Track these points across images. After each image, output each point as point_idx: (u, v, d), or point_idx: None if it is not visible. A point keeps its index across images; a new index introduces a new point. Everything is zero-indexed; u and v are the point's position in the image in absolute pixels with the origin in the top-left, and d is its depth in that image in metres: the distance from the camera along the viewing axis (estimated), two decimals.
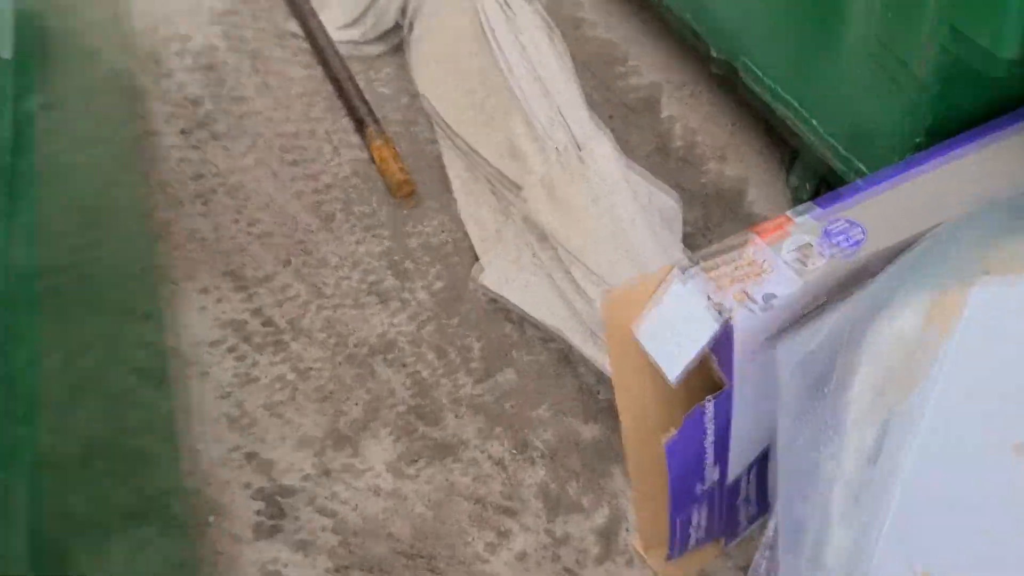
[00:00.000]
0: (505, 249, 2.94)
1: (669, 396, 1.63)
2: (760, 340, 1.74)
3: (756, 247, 1.86)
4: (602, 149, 2.88)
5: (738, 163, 3.34)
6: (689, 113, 3.61)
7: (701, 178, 3.31)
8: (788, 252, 1.85)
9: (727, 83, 3.28)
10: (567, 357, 2.75)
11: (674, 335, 1.58)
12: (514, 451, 2.52)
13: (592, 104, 3.30)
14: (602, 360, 2.55)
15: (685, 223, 3.09)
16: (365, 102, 3.65)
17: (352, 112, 3.63)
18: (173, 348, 2.86)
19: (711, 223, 3.13)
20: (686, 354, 1.57)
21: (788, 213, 1.83)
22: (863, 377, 1.34)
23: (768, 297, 1.75)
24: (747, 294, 1.77)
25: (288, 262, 3.14)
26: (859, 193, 1.75)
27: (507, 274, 2.87)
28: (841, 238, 1.66)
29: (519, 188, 2.96)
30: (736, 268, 1.82)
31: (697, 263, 1.79)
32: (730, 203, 3.18)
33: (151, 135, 3.67)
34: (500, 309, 2.91)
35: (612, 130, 3.11)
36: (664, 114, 3.63)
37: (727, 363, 1.74)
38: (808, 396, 1.46)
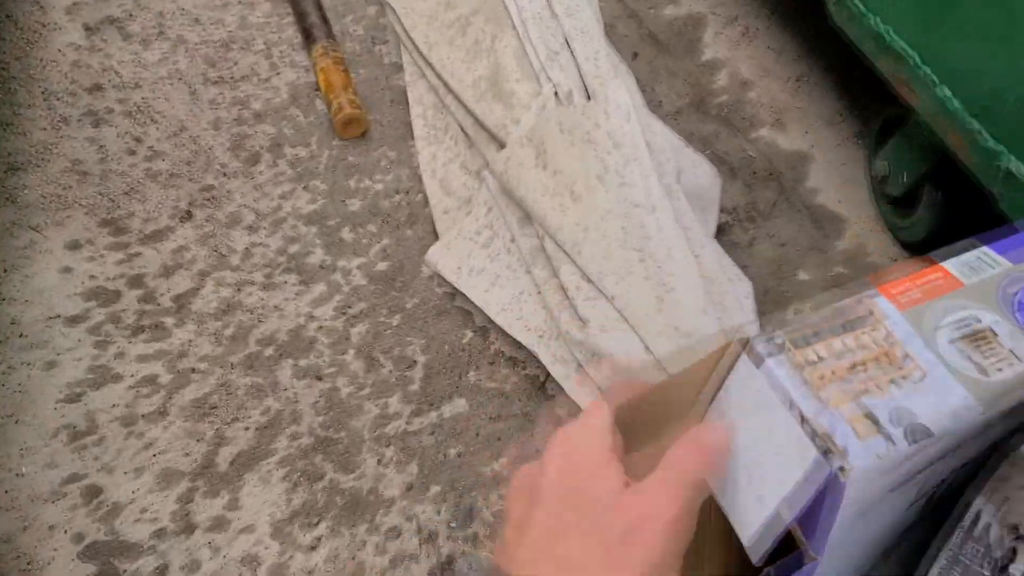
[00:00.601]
0: (473, 227, 2.14)
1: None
2: (884, 492, 0.92)
3: (886, 321, 0.97)
4: (618, 98, 2.06)
5: (800, 133, 2.52)
6: (740, 58, 2.76)
7: (748, 148, 2.49)
8: (948, 336, 0.95)
9: (802, 16, 2.44)
10: (544, 387, 1.99)
11: (745, 473, 0.79)
12: (453, 524, 1.77)
13: (611, 36, 2.46)
14: (585, 404, 1.78)
15: (722, 210, 2.29)
16: (320, 8, 2.81)
17: (301, 19, 2.79)
18: (13, 323, 2.11)
19: (757, 213, 2.33)
20: (767, 518, 0.77)
21: (945, 263, 0.98)
22: None
23: (914, 428, 0.86)
24: (873, 417, 0.88)
25: (189, 215, 2.36)
26: None
27: (472, 262, 2.09)
28: None
29: (500, 145, 2.15)
30: (852, 358, 0.94)
31: (780, 339, 0.95)
32: (785, 188, 2.38)
33: (45, 28, 2.85)
34: (460, 309, 2.13)
35: (635, 73, 2.28)
36: (705, 56, 2.78)
37: (820, 526, 0.90)
38: None
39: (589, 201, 1.91)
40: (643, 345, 1.75)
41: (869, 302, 0.88)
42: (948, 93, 1.71)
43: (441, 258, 2.14)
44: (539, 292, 1.96)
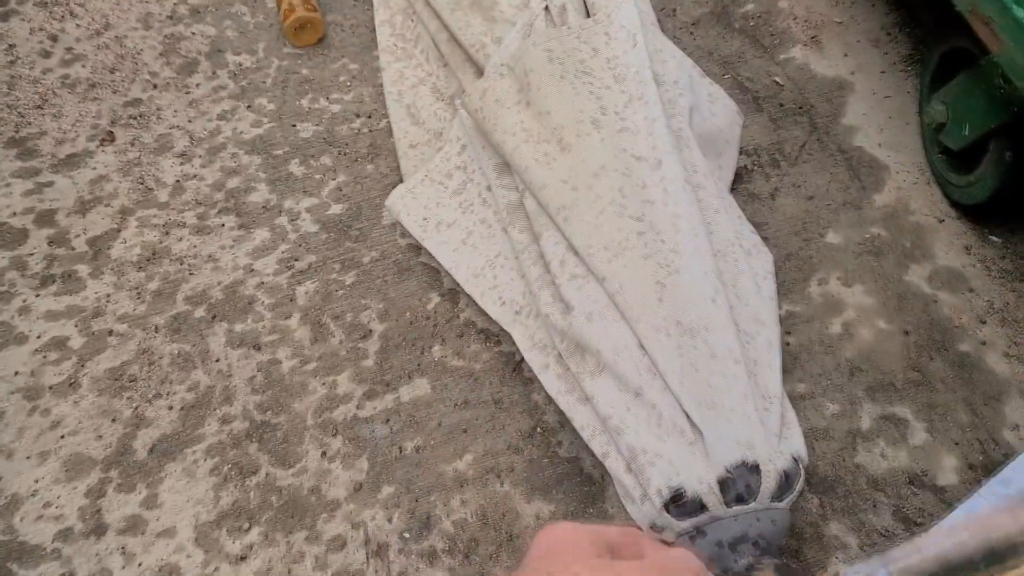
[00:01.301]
0: (444, 168, 1.79)
1: None
2: None
3: None
4: (623, 16, 1.67)
5: (838, 54, 2.11)
6: None
7: (775, 73, 2.09)
8: None
9: None
10: (520, 368, 1.69)
11: None
12: (407, 535, 1.52)
13: None
14: (566, 402, 1.51)
15: (741, 151, 1.93)
16: None
17: None
18: None
19: (783, 156, 1.96)
20: None
21: None
22: None
23: None
24: None
25: (110, 136, 1.99)
26: None
27: (440, 213, 1.75)
28: None
29: (478, 69, 1.76)
30: None
31: None
32: (817, 126, 1.99)
33: None
34: (425, 267, 1.81)
35: None
36: None
37: None
38: None
39: (580, 152, 1.55)
40: (636, 341, 1.44)
41: None
42: None
43: (404, 206, 1.79)
44: (517, 259, 1.64)
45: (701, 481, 1.35)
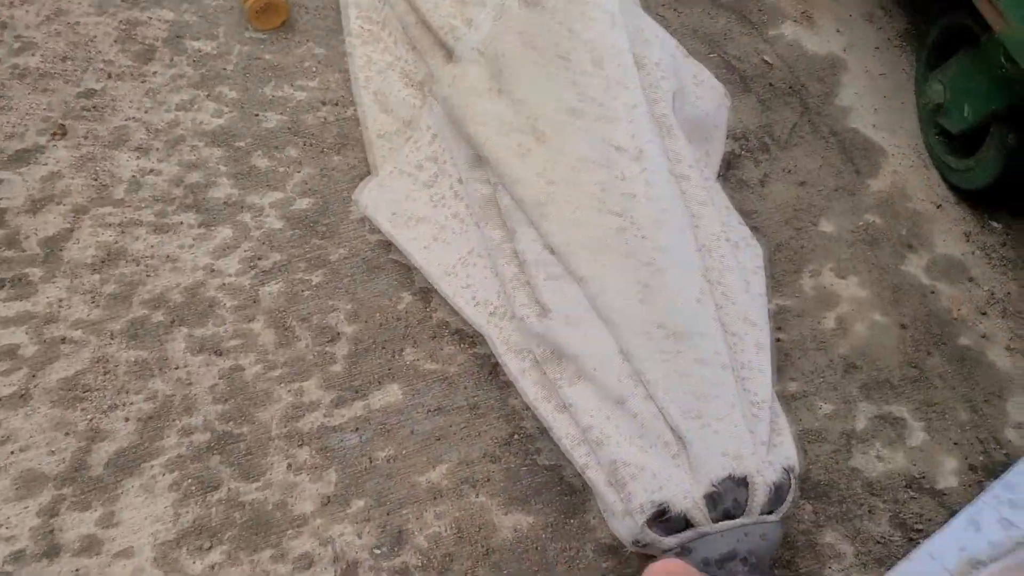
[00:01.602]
0: (414, 158, 1.69)
1: None
2: None
3: None
4: None
5: (830, 30, 2.01)
6: None
7: (765, 52, 1.99)
8: None
9: None
10: (496, 369, 1.61)
11: None
12: (379, 551, 1.44)
13: None
14: (544, 410, 1.43)
15: (729, 135, 1.83)
16: None
17: None
18: None
19: (773, 140, 1.86)
20: None
21: None
22: None
23: None
24: None
25: (62, 130, 1.88)
26: None
27: (411, 207, 1.65)
28: None
29: (449, 53, 1.66)
30: None
31: None
32: (809, 107, 1.90)
33: None
34: (396, 264, 1.72)
35: None
36: None
37: None
38: None
39: (558, 143, 1.45)
40: (617, 346, 1.35)
41: None
42: None
43: (372, 200, 1.69)
44: (490, 256, 1.54)
45: (686, 496, 1.27)
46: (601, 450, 1.32)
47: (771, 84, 1.91)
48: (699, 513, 1.26)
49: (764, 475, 1.29)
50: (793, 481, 1.33)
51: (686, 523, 1.27)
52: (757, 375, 1.39)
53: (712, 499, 1.27)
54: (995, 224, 1.77)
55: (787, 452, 1.35)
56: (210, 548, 1.47)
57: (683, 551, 1.28)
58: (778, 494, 1.30)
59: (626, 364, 1.33)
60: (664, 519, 1.27)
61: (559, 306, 1.39)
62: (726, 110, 1.75)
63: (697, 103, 1.68)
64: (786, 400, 1.59)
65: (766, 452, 1.33)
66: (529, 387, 1.45)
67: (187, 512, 1.50)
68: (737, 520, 1.27)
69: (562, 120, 1.46)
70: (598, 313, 1.37)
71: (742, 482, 1.28)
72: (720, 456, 1.28)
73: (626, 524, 1.30)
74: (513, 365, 1.48)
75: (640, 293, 1.36)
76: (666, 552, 1.29)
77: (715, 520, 1.27)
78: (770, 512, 1.30)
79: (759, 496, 1.27)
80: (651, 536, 1.28)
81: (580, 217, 1.40)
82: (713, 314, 1.37)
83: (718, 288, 1.44)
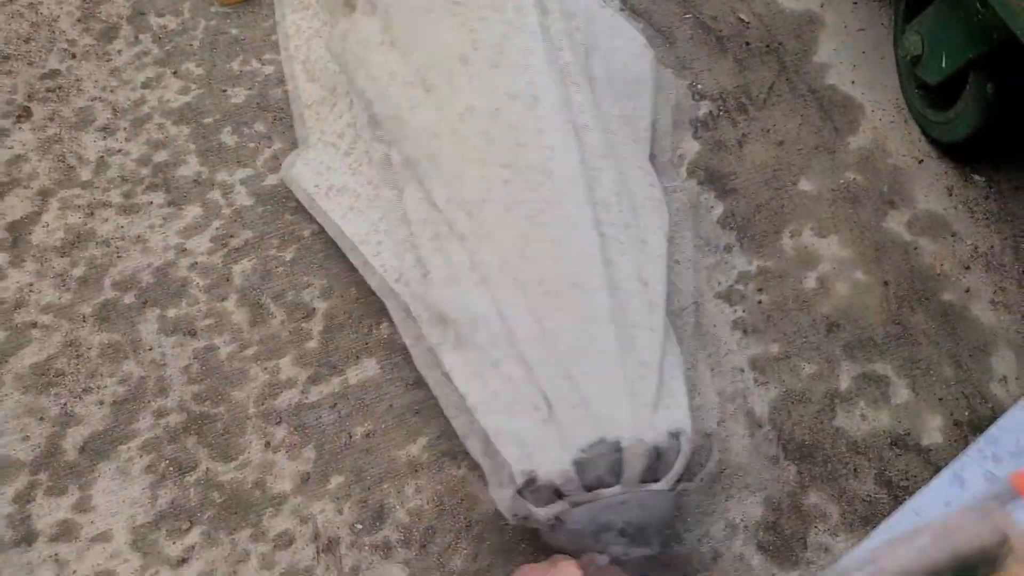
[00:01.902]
0: (336, 126, 1.66)
1: None
2: None
3: None
4: None
5: None
6: None
7: (738, 9, 1.95)
8: None
9: None
10: None
11: None
12: (360, 527, 1.42)
13: None
14: (432, 378, 1.40)
15: (706, 96, 1.79)
16: None
17: None
18: None
19: (750, 100, 1.82)
20: None
21: None
22: None
23: None
24: None
25: (26, 112, 1.85)
26: None
27: (332, 177, 1.62)
28: None
29: (351, 7, 1.63)
30: None
31: None
32: (786, 66, 1.86)
33: None
34: None
35: None
36: None
37: None
38: None
39: (446, 91, 1.41)
40: (496, 309, 1.30)
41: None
42: None
43: (297, 174, 1.66)
44: (406, 220, 1.50)
45: (554, 464, 1.21)
46: (476, 417, 1.28)
47: (747, 43, 1.88)
48: (568, 481, 1.20)
49: (644, 438, 1.23)
50: (683, 445, 1.27)
51: (557, 493, 1.22)
52: (647, 334, 1.33)
53: (582, 466, 1.21)
54: (977, 177, 1.74)
55: (676, 414, 1.28)
56: (188, 529, 1.45)
57: (557, 523, 1.22)
58: (662, 460, 1.25)
59: (503, 324, 1.29)
60: (534, 489, 1.23)
61: (440, 267, 1.35)
62: (648, 62, 1.70)
63: (614, 55, 1.64)
64: (768, 362, 1.57)
65: (650, 414, 1.26)
66: (419, 355, 1.41)
67: (164, 494, 1.48)
68: (613, 488, 1.21)
69: (450, 68, 1.42)
70: (475, 271, 1.33)
71: (616, 447, 1.22)
72: (590, 419, 1.22)
73: (502, 495, 1.25)
74: (408, 333, 1.44)
75: (520, 247, 1.31)
76: (544, 524, 1.22)
77: (588, 489, 1.21)
78: (655, 480, 1.25)
79: (635, 462, 1.21)
80: (524, 507, 1.22)
81: (463, 170, 1.36)
82: (600, 270, 1.32)
83: (615, 244, 1.38)
